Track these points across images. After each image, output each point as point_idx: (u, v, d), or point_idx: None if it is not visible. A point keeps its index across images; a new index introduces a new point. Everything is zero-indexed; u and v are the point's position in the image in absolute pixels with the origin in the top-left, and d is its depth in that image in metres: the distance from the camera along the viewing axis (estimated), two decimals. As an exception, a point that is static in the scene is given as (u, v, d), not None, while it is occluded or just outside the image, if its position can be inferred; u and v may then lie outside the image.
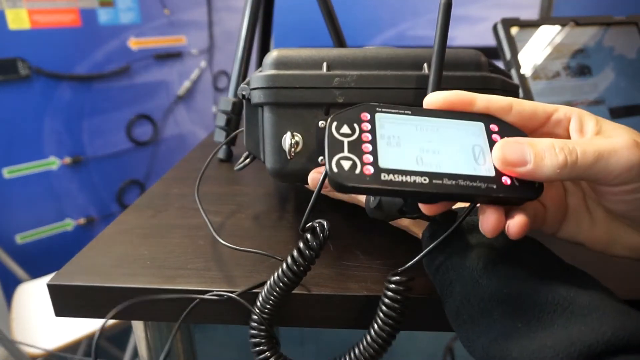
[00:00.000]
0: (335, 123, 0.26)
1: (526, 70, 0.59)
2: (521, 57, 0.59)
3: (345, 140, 0.25)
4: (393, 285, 0.30)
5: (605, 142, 0.23)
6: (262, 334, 0.33)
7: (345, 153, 0.24)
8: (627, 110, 0.63)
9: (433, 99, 0.27)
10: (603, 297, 0.23)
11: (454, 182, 0.24)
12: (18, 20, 1.33)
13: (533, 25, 0.62)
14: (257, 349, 0.33)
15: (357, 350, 0.31)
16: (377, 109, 0.26)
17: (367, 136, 0.25)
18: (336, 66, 0.38)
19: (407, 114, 0.26)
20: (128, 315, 0.37)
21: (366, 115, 0.26)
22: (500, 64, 0.60)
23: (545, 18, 0.64)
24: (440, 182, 0.24)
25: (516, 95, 0.41)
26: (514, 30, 0.60)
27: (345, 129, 0.25)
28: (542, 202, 0.28)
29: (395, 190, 0.24)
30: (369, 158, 0.24)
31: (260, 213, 0.49)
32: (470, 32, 1.73)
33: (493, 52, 0.62)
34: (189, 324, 0.50)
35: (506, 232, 0.25)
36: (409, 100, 0.36)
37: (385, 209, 0.30)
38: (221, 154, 0.68)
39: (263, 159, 0.43)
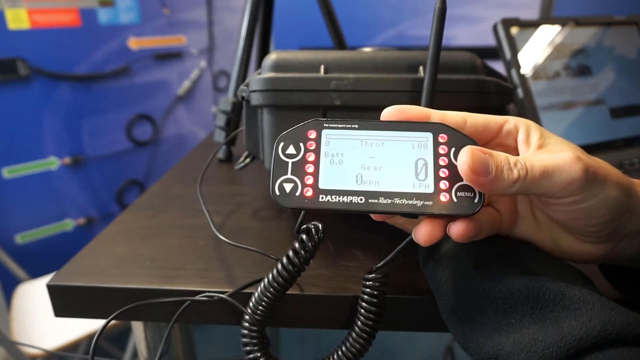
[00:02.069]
0: (282, 144, 0.27)
1: (526, 70, 0.59)
2: (521, 57, 0.59)
3: (290, 161, 0.27)
4: (369, 283, 0.32)
5: (550, 158, 0.25)
6: (253, 334, 0.33)
7: (288, 175, 0.26)
8: (627, 110, 0.63)
9: (388, 112, 0.28)
10: (591, 291, 0.24)
11: (389, 201, 0.25)
12: (18, 20, 1.33)
13: (533, 25, 0.61)
14: (247, 348, 0.33)
15: (340, 351, 0.33)
16: (324, 124, 0.27)
17: (311, 155, 0.27)
18: (333, 69, 0.39)
19: (354, 128, 0.27)
20: (126, 316, 0.37)
21: (313, 133, 0.27)
22: (500, 64, 0.60)
23: (545, 18, 0.64)
24: (376, 201, 0.25)
25: (511, 98, 0.41)
26: (514, 30, 0.60)
27: (290, 150, 0.27)
28: (498, 209, 0.29)
29: (332, 209, 0.25)
30: (310, 179, 0.26)
31: (259, 213, 0.49)
32: (470, 32, 1.73)
33: (493, 52, 0.62)
34: (187, 325, 0.50)
35: (448, 234, 0.26)
36: (404, 103, 0.37)
37: None
38: (221, 154, 0.68)
39: (262, 159, 0.43)
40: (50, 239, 1.54)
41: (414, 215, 0.27)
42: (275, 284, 0.32)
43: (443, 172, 0.26)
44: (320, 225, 0.31)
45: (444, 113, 0.28)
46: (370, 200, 0.25)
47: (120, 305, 0.37)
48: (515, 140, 0.28)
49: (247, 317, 0.33)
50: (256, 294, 0.33)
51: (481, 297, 0.26)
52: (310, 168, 0.26)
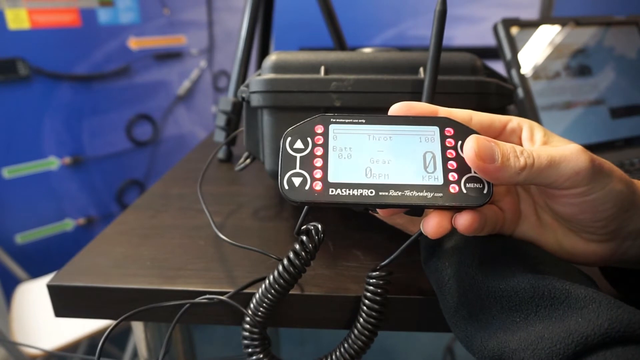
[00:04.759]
0: (289, 139, 0.27)
1: (526, 70, 0.59)
2: (521, 57, 0.59)
3: (298, 155, 0.26)
4: (373, 281, 0.32)
5: (556, 150, 0.25)
6: (254, 335, 0.33)
7: (297, 169, 0.26)
8: (627, 110, 0.63)
9: (396, 108, 0.28)
10: (596, 289, 0.24)
11: (399, 194, 0.25)
12: (18, 20, 1.33)
13: (533, 25, 0.61)
14: (249, 350, 0.33)
15: (342, 348, 0.33)
16: (331, 119, 0.27)
17: (320, 150, 0.26)
18: (334, 70, 0.39)
19: (361, 123, 0.27)
20: (127, 317, 0.37)
21: (320, 128, 0.27)
22: (500, 65, 0.60)
23: (546, 18, 0.64)
24: (386, 193, 0.25)
25: (512, 99, 0.41)
26: (514, 30, 0.60)
27: (298, 144, 0.27)
28: (501, 208, 0.29)
29: (342, 202, 0.25)
30: (318, 173, 0.26)
31: (259, 213, 0.49)
32: (470, 32, 1.73)
33: (493, 52, 0.62)
34: (188, 325, 0.50)
35: (454, 225, 0.26)
36: None
37: None
38: (221, 154, 0.68)
39: (262, 160, 0.43)
40: (50, 239, 1.54)
41: (421, 210, 0.27)
42: (277, 286, 0.32)
43: (451, 165, 0.26)
44: (320, 226, 0.31)
45: (450, 110, 0.28)
46: (380, 193, 0.25)
47: (120, 306, 0.37)
48: (519, 138, 0.28)
49: (247, 318, 0.33)
50: (257, 296, 0.33)
51: (485, 295, 0.26)
52: (318, 162, 0.26)
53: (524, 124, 0.28)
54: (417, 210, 0.27)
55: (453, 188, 0.25)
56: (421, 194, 0.25)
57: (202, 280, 0.37)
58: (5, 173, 1.40)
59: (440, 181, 0.25)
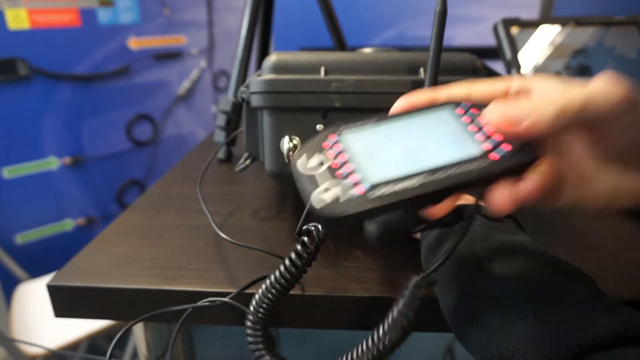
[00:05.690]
0: (301, 159, 0.24)
1: (526, 70, 0.59)
2: (521, 57, 0.59)
3: (317, 172, 0.24)
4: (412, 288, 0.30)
5: (585, 87, 0.23)
6: (258, 334, 0.33)
7: (325, 185, 0.23)
8: (627, 110, 0.63)
9: (398, 105, 0.27)
10: (596, 291, 0.24)
11: (446, 174, 0.23)
12: (18, 20, 1.33)
13: (533, 25, 0.61)
14: (252, 347, 0.33)
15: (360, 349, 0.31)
16: (344, 128, 0.26)
17: (342, 158, 0.24)
18: (334, 71, 0.39)
19: (374, 123, 0.26)
20: (128, 318, 0.37)
21: (331, 141, 0.25)
22: (500, 64, 0.60)
23: (546, 18, 0.64)
24: (433, 177, 0.22)
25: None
26: (515, 30, 0.60)
27: (312, 162, 0.24)
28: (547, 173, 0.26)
29: (391, 203, 0.22)
30: (352, 179, 0.23)
31: (259, 213, 0.49)
32: (470, 32, 1.73)
33: (493, 52, 0.62)
34: (188, 325, 0.50)
35: (521, 199, 0.23)
36: None
37: (390, 229, 0.26)
38: (221, 154, 0.68)
39: (262, 161, 0.43)
40: (50, 239, 1.54)
41: (474, 184, 0.24)
42: (278, 286, 0.32)
43: (479, 137, 0.24)
44: (320, 227, 0.31)
45: (449, 90, 0.27)
46: (429, 179, 0.23)
47: (120, 306, 0.37)
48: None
49: (250, 317, 0.33)
50: (257, 296, 0.33)
51: (485, 296, 0.26)
52: (345, 170, 0.23)
53: (532, 83, 0.25)
54: (473, 185, 0.24)
55: (494, 156, 0.23)
56: (468, 167, 0.23)
57: (202, 280, 0.37)
58: (5, 173, 1.40)
59: (479, 152, 0.24)
